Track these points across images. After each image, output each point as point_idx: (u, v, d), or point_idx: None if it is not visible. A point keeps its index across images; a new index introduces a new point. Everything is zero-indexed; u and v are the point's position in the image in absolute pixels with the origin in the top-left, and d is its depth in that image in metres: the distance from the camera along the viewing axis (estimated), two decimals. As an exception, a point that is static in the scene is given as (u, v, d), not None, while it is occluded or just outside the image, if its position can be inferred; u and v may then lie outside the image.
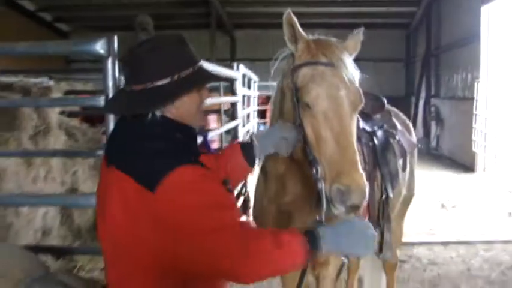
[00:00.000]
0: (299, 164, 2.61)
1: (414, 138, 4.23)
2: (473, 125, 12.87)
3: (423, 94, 18.28)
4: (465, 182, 11.85)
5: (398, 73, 21.29)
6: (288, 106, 2.51)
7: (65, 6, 19.81)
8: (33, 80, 6.96)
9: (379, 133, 3.51)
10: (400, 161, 3.64)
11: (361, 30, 2.57)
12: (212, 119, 7.97)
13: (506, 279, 5.91)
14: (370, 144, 3.40)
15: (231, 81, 6.73)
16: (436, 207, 9.39)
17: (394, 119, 3.84)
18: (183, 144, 2.11)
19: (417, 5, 18.10)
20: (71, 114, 7.49)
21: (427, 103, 17.66)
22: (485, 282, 5.83)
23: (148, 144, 2.03)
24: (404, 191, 3.88)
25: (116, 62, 3.22)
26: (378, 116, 3.67)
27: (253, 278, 2.01)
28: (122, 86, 2.53)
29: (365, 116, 3.54)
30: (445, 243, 7.19)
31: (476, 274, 6.08)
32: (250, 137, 2.58)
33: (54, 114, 6.47)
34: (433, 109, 16.89)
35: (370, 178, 3.32)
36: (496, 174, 12.15)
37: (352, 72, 2.40)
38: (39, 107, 6.07)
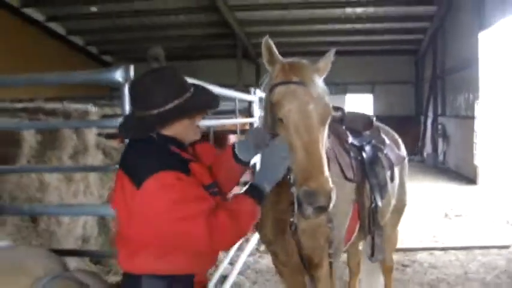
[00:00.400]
0: None
1: (403, 152, 4.20)
2: (474, 140, 12.77)
3: (431, 113, 18.12)
4: (468, 193, 11.64)
5: (408, 94, 21.09)
6: (268, 121, 2.58)
7: (108, 41, 20.25)
8: (74, 105, 7.09)
9: (368, 148, 3.53)
10: (388, 173, 3.64)
11: (332, 52, 2.62)
12: (232, 138, 8.05)
13: (500, 282, 5.81)
14: (359, 158, 3.42)
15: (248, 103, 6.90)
16: (439, 217, 9.26)
17: (382, 135, 3.84)
18: (171, 155, 2.31)
19: (423, 32, 18.00)
20: (108, 136, 7.62)
21: (434, 121, 17.53)
22: (480, 285, 5.74)
23: (142, 154, 2.30)
24: (393, 201, 3.85)
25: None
26: (367, 132, 3.69)
27: (223, 247, 2.31)
28: None
29: (355, 132, 3.57)
30: (445, 249, 7.11)
31: (473, 277, 5.99)
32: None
33: (91, 136, 6.60)
34: (439, 127, 16.76)
35: (359, 188, 3.35)
36: (496, 186, 11.91)
37: (320, 89, 2.46)
38: (77, 129, 6.21)
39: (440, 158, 16.56)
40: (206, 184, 2.37)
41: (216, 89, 4.36)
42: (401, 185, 4.17)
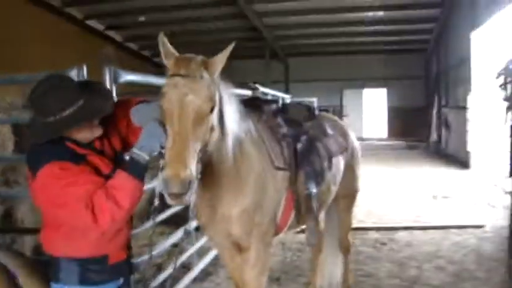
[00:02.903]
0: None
1: (351, 142, 3.77)
2: (467, 128, 12.11)
3: (436, 105, 17.30)
4: (459, 176, 10.89)
5: (418, 88, 20.30)
6: None
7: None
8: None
9: (303, 138, 3.14)
10: (326, 162, 3.25)
11: (230, 47, 2.26)
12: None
13: (465, 260, 5.31)
14: (292, 147, 3.05)
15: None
16: (428, 198, 8.66)
17: (325, 126, 3.44)
18: (64, 150, 2.10)
19: (430, 33, 17.17)
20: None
21: (438, 112, 16.75)
22: (446, 262, 5.26)
23: (38, 151, 2.11)
24: (334, 188, 3.44)
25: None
26: (308, 123, 3.31)
27: (107, 225, 2.02)
28: None
29: (293, 123, 3.19)
30: (424, 228, 6.59)
31: (442, 255, 5.50)
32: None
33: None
34: (443, 117, 15.97)
35: (293, 177, 2.99)
36: (486, 170, 11.06)
37: (205, 83, 2.13)
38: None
39: (443, 145, 15.75)
40: (105, 173, 2.14)
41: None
42: (351, 172, 3.75)
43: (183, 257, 4.54)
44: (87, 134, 2.15)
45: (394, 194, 9.02)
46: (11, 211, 4.82)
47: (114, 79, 3.21)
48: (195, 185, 1.99)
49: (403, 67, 20.26)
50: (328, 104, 18.28)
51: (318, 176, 3.13)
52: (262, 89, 6.95)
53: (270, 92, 7.97)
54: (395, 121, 20.84)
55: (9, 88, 6.70)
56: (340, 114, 19.85)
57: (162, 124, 2.11)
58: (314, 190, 3.06)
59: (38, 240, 4.63)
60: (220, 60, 2.23)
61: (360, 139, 4.14)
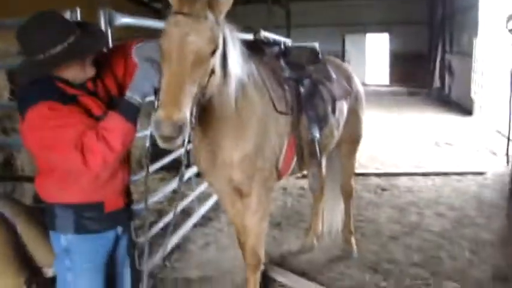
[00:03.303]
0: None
1: (355, 85, 3.64)
2: (472, 75, 11.87)
3: (440, 50, 16.89)
4: (462, 123, 10.77)
5: (422, 33, 19.72)
6: None
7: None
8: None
9: (306, 81, 3.03)
10: (329, 106, 3.15)
11: None
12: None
13: (466, 206, 5.30)
14: (295, 91, 2.94)
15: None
16: (430, 144, 8.60)
17: (329, 69, 3.31)
18: (54, 89, 1.98)
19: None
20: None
21: (442, 58, 16.37)
22: (446, 208, 5.25)
23: (26, 91, 2.02)
24: (336, 132, 3.35)
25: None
26: (312, 67, 3.18)
27: (98, 167, 1.94)
28: None
29: (296, 66, 3.07)
30: (425, 174, 6.56)
31: (442, 201, 5.50)
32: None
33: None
34: (446, 63, 15.64)
35: (296, 121, 2.91)
36: (489, 117, 10.90)
37: (208, 24, 2.00)
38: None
39: (446, 91, 15.54)
40: (96, 115, 2.05)
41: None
42: (355, 116, 3.65)
43: (184, 203, 4.54)
44: (79, 73, 2.04)
45: (397, 140, 8.98)
46: (10, 159, 4.77)
47: (109, 22, 3.09)
48: (187, 128, 1.90)
49: (406, 12, 19.65)
50: (330, 50, 17.93)
51: (321, 121, 3.05)
52: (264, 33, 6.75)
53: (272, 36, 7.76)
54: (398, 67, 20.51)
55: (3, 35, 6.48)
56: (342, 60, 19.48)
57: (159, 65, 2.01)
58: (317, 135, 2.99)
59: (37, 187, 4.66)
60: (227, 0, 2.08)
61: (362, 85, 4.01)
